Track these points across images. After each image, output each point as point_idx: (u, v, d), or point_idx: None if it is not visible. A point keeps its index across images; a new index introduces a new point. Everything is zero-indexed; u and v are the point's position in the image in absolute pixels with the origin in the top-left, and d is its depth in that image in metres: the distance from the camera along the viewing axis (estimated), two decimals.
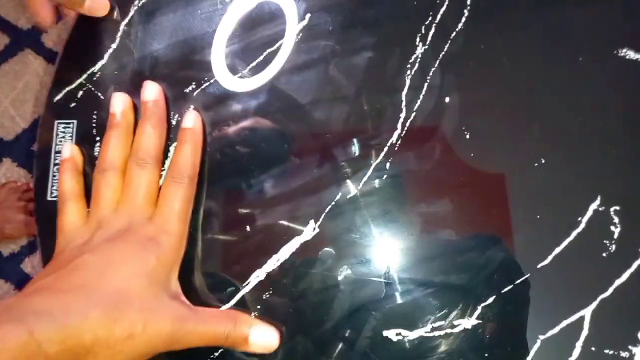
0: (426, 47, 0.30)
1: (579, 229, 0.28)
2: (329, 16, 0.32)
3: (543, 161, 0.28)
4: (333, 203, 0.30)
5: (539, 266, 0.28)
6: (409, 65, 0.30)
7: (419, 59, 0.30)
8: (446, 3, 0.31)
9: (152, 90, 0.31)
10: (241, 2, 0.32)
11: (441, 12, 0.31)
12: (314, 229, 0.30)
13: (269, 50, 0.32)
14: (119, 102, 0.31)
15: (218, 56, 0.32)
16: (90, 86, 0.33)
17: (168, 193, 0.28)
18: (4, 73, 0.94)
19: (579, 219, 0.28)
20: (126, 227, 0.27)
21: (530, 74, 0.29)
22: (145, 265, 0.26)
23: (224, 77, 0.32)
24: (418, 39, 0.30)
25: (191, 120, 0.30)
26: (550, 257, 0.28)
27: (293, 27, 0.32)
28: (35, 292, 0.23)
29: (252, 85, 0.32)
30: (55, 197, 0.32)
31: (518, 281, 0.28)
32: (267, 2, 0.32)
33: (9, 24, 0.97)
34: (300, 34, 0.32)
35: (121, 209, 0.28)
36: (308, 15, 0.32)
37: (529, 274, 0.28)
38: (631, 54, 0.28)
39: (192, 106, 0.31)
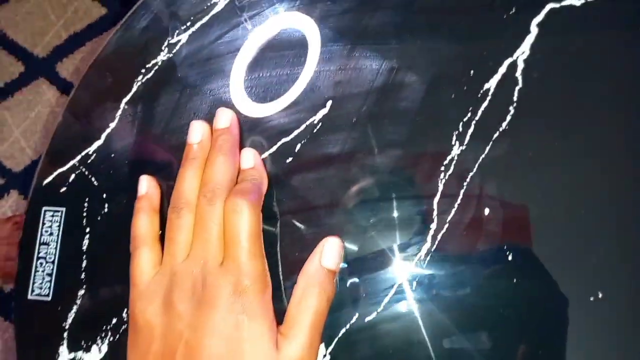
0: (464, 147, 0.26)
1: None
2: (353, 106, 0.28)
3: (600, 295, 0.24)
4: (348, 327, 0.26)
5: None
6: (442, 169, 0.26)
7: (454, 162, 0.26)
8: (489, 98, 0.27)
9: (225, 118, 0.28)
10: (263, 30, 0.30)
11: (482, 107, 0.27)
12: (324, 355, 0.26)
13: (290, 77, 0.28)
14: (197, 132, 0.28)
15: (237, 82, 0.29)
16: (83, 169, 0.29)
17: (231, 227, 0.25)
18: (16, 102, 0.93)
19: None
20: (199, 277, 0.25)
21: (588, 187, 0.25)
22: (242, 330, 0.24)
23: (241, 102, 0.29)
24: (454, 138, 0.27)
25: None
26: None
27: (315, 51, 0.29)
28: None
29: (270, 110, 0.29)
30: (37, 295, 0.28)
31: None
32: (289, 29, 0.29)
33: (25, 51, 0.96)
34: (319, 125, 0.28)
35: (194, 255, 0.26)
36: (329, 103, 0.28)
37: None
38: None
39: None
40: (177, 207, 0.27)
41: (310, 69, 0.29)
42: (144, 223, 0.27)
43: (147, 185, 0.28)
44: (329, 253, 0.26)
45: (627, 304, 0.24)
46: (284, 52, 0.30)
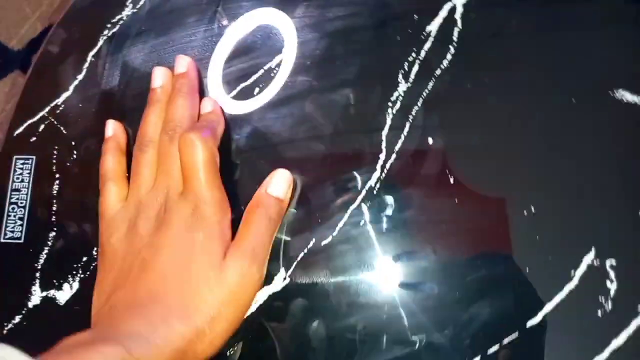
0: (409, 84, 0.29)
1: (572, 285, 0.25)
2: (307, 49, 0.30)
3: (533, 210, 0.26)
4: (305, 251, 0.27)
5: (528, 325, 0.25)
6: (390, 104, 0.28)
7: (400, 98, 0.29)
8: (430, 39, 0.29)
9: (182, 63, 0.30)
10: (239, 25, 0.31)
11: (425, 48, 0.29)
12: (284, 278, 0.27)
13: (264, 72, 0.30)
14: (159, 77, 0.30)
15: (214, 78, 0.31)
16: (52, 119, 0.31)
17: (187, 161, 0.27)
18: None
19: (572, 272, 0.25)
20: (163, 205, 0.27)
21: (520, 116, 0.27)
22: (195, 246, 0.25)
23: (220, 98, 0.31)
24: (400, 76, 0.29)
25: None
26: (540, 315, 0.25)
27: (292, 52, 0.30)
28: (119, 311, 0.25)
29: (251, 107, 0.30)
30: (9, 238, 0.30)
31: (505, 341, 0.25)
32: (266, 25, 0.31)
33: (0, 44, 0.97)
34: (276, 68, 0.30)
35: (157, 186, 0.28)
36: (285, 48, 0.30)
37: (517, 333, 0.25)
38: (627, 96, 0.27)
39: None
40: (141, 145, 0.28)
41: (287, 67, 0.30)
42: (111, 161, 0.29)
43: (113, 127, 0.30)
44: (274, 181, 0.28)
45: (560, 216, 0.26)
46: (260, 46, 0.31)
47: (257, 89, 0.30)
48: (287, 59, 0.30)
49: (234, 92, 0.30)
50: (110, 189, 0.28)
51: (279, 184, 0.28)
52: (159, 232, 0.26)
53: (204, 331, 0.24)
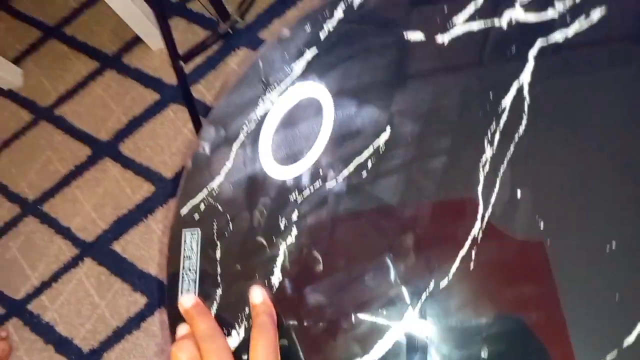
0: (494, 149, 0.36)
1: None
2: (406, 129, 0.38)
3: (614, 246, 0.32)
4: (427, 293, 0.34)
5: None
6: (480, 165, 0.36)
7: (488, 160, 0.36)
8: (506, 113, 0.36)
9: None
10: (284, 101, 0.39)
11: (503, 119, 0.36)
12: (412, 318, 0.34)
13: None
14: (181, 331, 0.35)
15: (265, 148, 0.39)
16: (210, 200, 0.39)
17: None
18: (85, 181, 1.06)
19: None
20: None
21: (589, 166, 0.34)
22: None
23: (269, 166, 0.38)
24: (486, 142, 0.36)
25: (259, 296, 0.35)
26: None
27: (330, 119, 0.38)
28: None
29: (292, 173, 0.38)
30: None
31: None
32: (309, 99, 0.39)
33: (90, 136, 1.11)
34: (384, 145, 0.38)
35: None
36: (388, 128, 0.38)
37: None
38: None
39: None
40: None
41: (326, 131, 0.39)
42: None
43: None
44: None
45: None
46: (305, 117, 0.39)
47: (369, 163, 0.38)
48: (391, 138, 0.38)
49: (351, 169, 0.38)
50: None
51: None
52: None
53: None
